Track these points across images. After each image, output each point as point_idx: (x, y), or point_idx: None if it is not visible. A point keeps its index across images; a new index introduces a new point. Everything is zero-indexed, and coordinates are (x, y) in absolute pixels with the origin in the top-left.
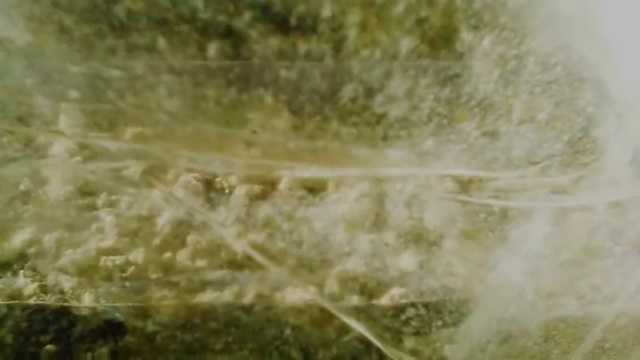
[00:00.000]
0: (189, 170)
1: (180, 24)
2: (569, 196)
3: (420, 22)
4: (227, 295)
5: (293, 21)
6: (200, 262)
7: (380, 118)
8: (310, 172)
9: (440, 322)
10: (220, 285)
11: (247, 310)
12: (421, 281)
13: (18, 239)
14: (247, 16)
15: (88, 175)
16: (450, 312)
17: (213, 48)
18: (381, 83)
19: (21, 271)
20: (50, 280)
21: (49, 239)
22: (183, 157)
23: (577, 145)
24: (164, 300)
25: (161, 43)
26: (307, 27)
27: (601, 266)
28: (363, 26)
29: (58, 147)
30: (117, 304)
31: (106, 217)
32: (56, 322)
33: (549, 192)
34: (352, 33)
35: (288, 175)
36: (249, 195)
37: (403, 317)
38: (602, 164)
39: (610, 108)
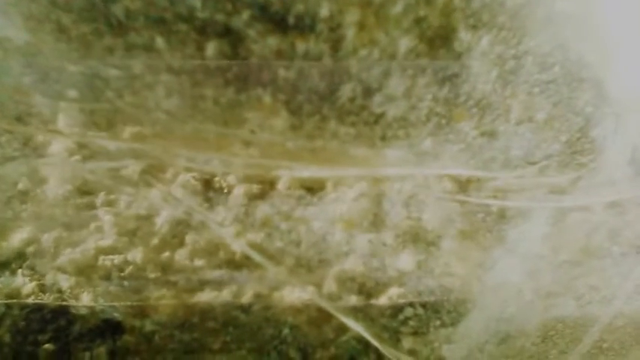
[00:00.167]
0: (188, 170)
1: (178, 23)
2: (567, 196)
3: (419, 21)
4: (225, 295)
5: (291, 20)
6: (198, 262)
7: (378, 117)
8: (309, 171)
9: (438, 322)
10: (219, 284)
11: (245, 309)
12: (419, 281)
13: (16, 238)
14: (245, 15)
15: (86, 175)
16: (448, 312)
17: (211, 47)
18: (379, 83)
19: (19, 270)
20: (48, 279)
21: (47, 238)
22: (182, 156)
23: (575, 146)
24: (162, 299)
25: (159, 42)
26: (305, 26)
27: (599, 266)
28: (362, 26)
29: (57, 146)
30: (115, 304)
31: (105, 217)
32: (54, 321)
33: (547, 192)
34: (350, 32)
35: (287, 174)
36: (247, 194)
37: (401, 317)
38: (601, 164)
39: (608, 108)
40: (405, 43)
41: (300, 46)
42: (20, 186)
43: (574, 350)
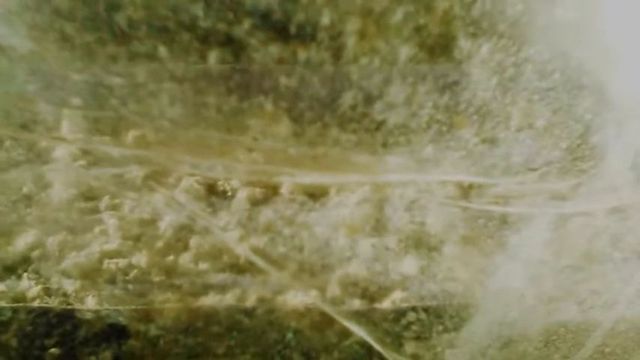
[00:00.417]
0: (191, 175)
1: (180, 32)
2: (568, 202)
3: (419, 29)
4: (229, 299)
5: (293, 29)
6: (202, 266)
7: (379, 124)
8: (311, 178)
9: (441, 327)
10: (222, 288)
11: (249, 313)
12: (422, 286)
13: (21, 242)
14: (247, 24)
15: (91, 181)
16: (451, 316)
17: (213, 56)
18: (380, 90)
19: (24, 274)
20: (53, 282)
21: (52, 242)
22: (185, 162)
23: (575, 152)
24: (167, 303)
25: (162, 51)
26: (307, 35)
27: (601, 272)
28: (362, 34)
29: (61, 152)
30: (120, 308)
31: (109, 220)
32: (60, 325)
33: (548, 198)
34: (351, 40)
35: (289, 181)
36: (250, 200)
37: (404, 321)
38: (602, 170)
39: (610, 114)
40: (405, 51)
41: (302, 54)
42: (25, 190)
43: (576, 355)
